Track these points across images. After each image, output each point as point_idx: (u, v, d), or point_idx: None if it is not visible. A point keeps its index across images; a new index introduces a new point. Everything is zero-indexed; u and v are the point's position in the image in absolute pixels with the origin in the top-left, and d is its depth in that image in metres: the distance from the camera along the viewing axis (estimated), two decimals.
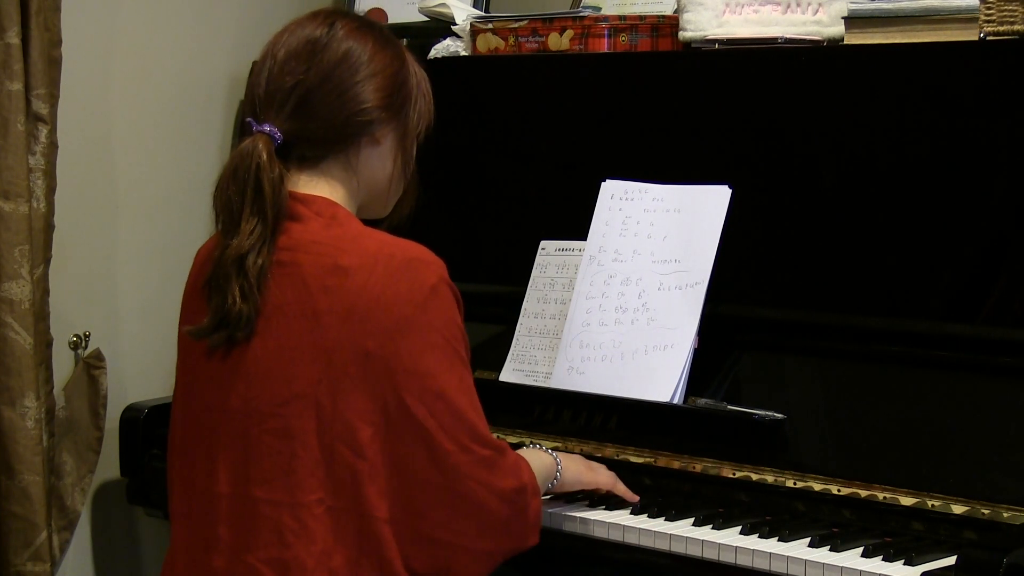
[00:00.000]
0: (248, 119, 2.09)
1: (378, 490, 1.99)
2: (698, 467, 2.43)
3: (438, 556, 2.03)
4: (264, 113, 2.08)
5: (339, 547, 1.99)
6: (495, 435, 2.58)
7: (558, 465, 2.30)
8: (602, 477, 2.38)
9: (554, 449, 2.36)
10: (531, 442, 2.36)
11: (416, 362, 1.99)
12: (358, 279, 2.00)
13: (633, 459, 2.48)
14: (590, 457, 2.49)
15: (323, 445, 1.99)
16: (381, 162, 2.15)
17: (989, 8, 2.38)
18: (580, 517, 2.34)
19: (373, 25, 2.17)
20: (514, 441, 2.60)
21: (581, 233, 2.66)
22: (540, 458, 2.27)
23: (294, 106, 2.07)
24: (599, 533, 2.32)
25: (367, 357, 1.98)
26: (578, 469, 2.35)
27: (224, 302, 2.00)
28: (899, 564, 2.08)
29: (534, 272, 2.73)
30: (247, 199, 2.02)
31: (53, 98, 2.93)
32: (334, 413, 1.99)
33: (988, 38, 2.39)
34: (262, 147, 2.03)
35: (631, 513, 2.35)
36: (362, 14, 3.07)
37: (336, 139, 2.10)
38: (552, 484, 2.30)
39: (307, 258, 2.02)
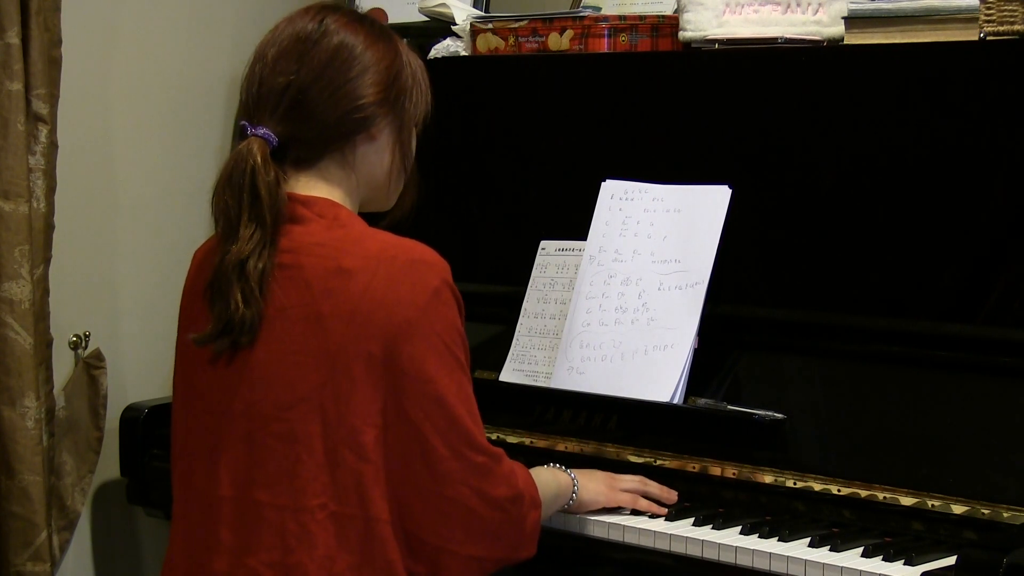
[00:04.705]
0: (243, 122, 2.06)
1: (382, 492, 1.98)
2: (698, 467, 2.43)
3: (428, 558, 2.02)
4: (258, 115, 2.06)
5: (342, 553, 1.97)
6: (495, 435, 2.60)
7: (575, 485, 2.29)
8: (623, 497, 2.35)
9: (554, 450, 2.35)
10: (552, 463, 2.32)
11: (417, 366, 1.98)
12: (360, 281, 1.98)
13: (633, 459, 2.48)
14: (591, 458, 2.49)
15: (327, 449, 1.98)
16: (379, 157, 2.11)
17: (989, 8, 2.38)
18: (579, 516, 2.33)
19: (364, 18, 2.14)
20: (514, 441, 2.60)
21: (581, 233, 2.66)
22: (555, 477, 2.27)
23: (287, 108, 2.04)
24: (598, 533, 2.31)
25: (370, 359, 1.97)
26: (597, 490, 2.33)
27: (227, 308, 1.98)
28: (899, 564, 2.08)
29: (534, 272, 2.72)
30: (244, 205, 1.99)
31: (53, 98, 2.93)
32: (339, 417, 1.97)
33: (988, 38, 2.39)
34: (257, 151, 2.01)
35: (631, 513, 2.35)
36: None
37: (332, 138, 2.07)
38: (569, 504, 2.29)
39: (309, 260, 2.01)
